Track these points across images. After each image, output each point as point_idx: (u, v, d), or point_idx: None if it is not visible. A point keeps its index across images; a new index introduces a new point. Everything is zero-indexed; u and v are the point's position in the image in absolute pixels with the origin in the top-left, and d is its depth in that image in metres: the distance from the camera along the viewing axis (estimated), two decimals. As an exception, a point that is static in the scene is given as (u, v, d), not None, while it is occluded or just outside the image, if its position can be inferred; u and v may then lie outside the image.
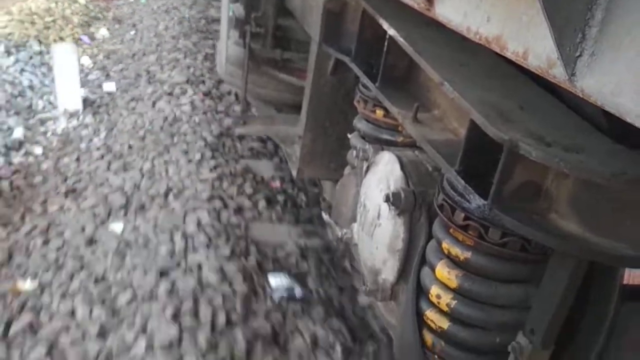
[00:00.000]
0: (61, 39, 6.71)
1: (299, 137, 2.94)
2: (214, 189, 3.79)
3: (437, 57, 1.63)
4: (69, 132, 4.67)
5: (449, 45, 1.70)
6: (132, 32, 7.49)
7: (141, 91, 5.43)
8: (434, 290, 1.56)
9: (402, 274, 1.84)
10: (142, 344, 2.51)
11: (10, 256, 3.08)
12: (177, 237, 3.23)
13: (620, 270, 1.31)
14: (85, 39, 7.13)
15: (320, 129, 2.83)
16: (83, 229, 3.30)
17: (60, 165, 4.10)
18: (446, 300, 1.52)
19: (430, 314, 1.59)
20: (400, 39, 1.77)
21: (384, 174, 1.91)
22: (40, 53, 6.15)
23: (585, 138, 1.22)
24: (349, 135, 2.43)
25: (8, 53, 5.89)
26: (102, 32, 7.55)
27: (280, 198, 3.85)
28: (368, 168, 2.06)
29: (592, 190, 1.17)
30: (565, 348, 1.40)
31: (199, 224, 3.37)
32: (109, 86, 5.58)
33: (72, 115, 4.92)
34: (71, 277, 2.91)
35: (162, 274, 2.93)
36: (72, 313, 2.69)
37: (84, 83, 5.39)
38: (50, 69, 5.60)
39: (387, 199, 1.76)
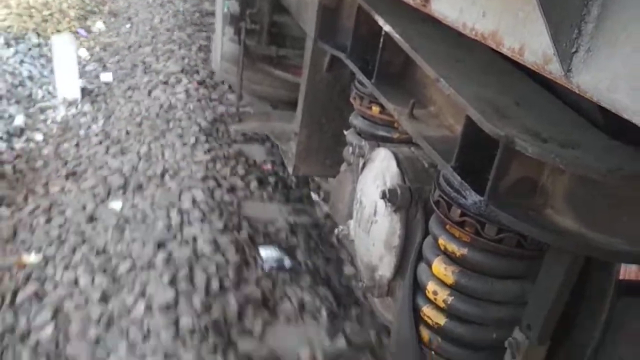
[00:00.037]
0: (58, 31, 6.77)
1: (294, 133, 2.94)
2: (208, 170, 3.97)
3: (433, 54, 1.63)
4: (68, 119, 4.82)
5: (444, 42, 1.70)
6: (128, 25, 7.64)
7: (137, 81, 5.57)
8: (431, 286, 1.56)
9: (399, 270, 1.84)
10: (141, 306, 2.68)
11: (14, 233, 3.24)
12: (173, 213, 3.41)
13: (616, 266, 1.32)
14: (82, 32, 7.23)
15: (316, 125, 2.82)
16: (84, 208, 3.46)
17: (60, 150, 4.26)
18: (443, 296, 1.52)
19: (427, 310, 1.59)
20: (396, 35, 1.77)
21: (380, 171, 1.91)
22: (39, 45, 6.29)
23: (581, 134, 1.22)
24: (345, 132, 2.42)
25: (8, 45, 6.04)
26: (98, 25, 7.68)
27: (272, 179, 4.01)
28: (364, 164, 2.06)
29: (588, 186, 1.17)
30: (562, 343, 1.41)
31: (193, 201, 3.56)
32: (106, 76, 5.72)
33: (70, 103, 5.07)
34: (73, 250, 3.08)
35: (160, 245, 3.11)
36: (75, 282, 2.84)
37: (81, 74, 5.50)
38: (48, 60, 5.77)
39: (383, 196, 1.76)
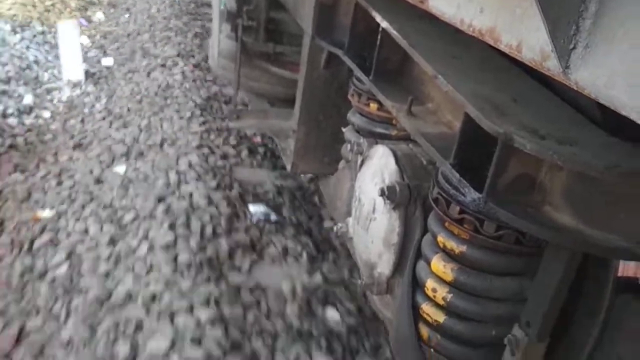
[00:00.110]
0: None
1: (292, 131, 2.93)
2: (203, 139, 4.34)
3: (431, 50, 1.63)
4: (73, 99, 5.23)
5: (442, 38, 1.69)
6: (127, 15, 8.01)
7: (137, 64, 5.93)
8: (430, 283, 1.56)
9: (398, 267, 1.84)
10: (144, 247, 3.04)
11: (29, 194, 3.62)
12: (172, 174, 3.78)
13: (614, 263, 1.31)
14: (83, 21, 7.48)
15: (314, 122, 2.82)
16: (91, 172, 3.86)
17: (67, 126, 4.66)
18: (442, 293, 1.52)
19: (426, 308, 1.59)
20: (394, 32, 1.76)
21: (378, 168, 1.90)
22: (43, 33, 6.68)
23: (579, 131, 1.22)
24: (343, 129, 2.42)
25: (14, 32, 6.43)
26: (98, 15, 8.02)
27: (261, 150, 4.34)
28: (362, 162, 2.06)
29: (586, 183, 1.17)
30: (561, 340, 1.41)
31: (190, 164, 3.93)
32: (107, 61, 6.10)
33: (75, 85, 5.45)
34: (83, 206, 3.45)
35: (160, 199, 3.47)
36: (86, 231, 3.22)
37: (84, 60, 5.79)
38: (52, 46, 6.26)
39: (382, 193, 1.76)
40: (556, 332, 1.36)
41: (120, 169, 3.88)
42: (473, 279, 1.47)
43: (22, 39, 6.27)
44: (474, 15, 1.25)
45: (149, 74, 5.61)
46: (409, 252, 1.74)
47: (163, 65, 5.80)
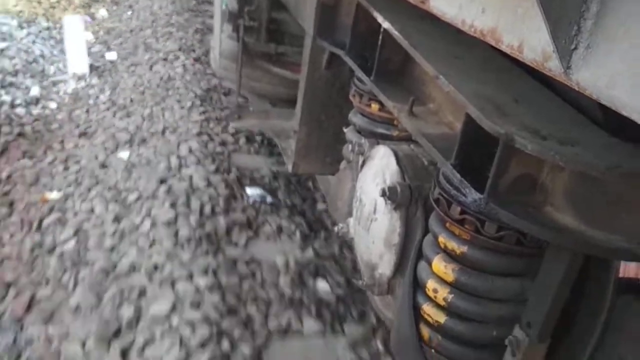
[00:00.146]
0: (65, 17, 7.33)
1: (294, 131, 2.93)
2: (202, 127, 4.53)
3: (432, 50, 1.62)
4: (78, 91, 5.47)
5: (443, 39, 1.69)
6: (129, 12, 8.19)
7: (139, 58, 6.14)
8: (431, 284, 1.56)
9: (399, 268, 1.84)
10: (147, 223, 3.25)
11: (37, 178, 3.85)
12: (173, 158, 3.98)
13: (615, 263, 1.31)
14: (87, 18, 7.62)
15: (315, 123, 2.82)
16: (96, 157, 4.07)
17: (73, 116, 4.90)
18: (443, 294, 1.52)
19: (427, 308, 1.58)
20: (395, 32, 1.76)
21: (379, 168, 1.90)
22: (48, 28, 6.92)
23: (581, 131, 1.22)
24: (345, 130, 2.42)
25: (21, 27, 6.69)
26: (102, 12, 8.19)
27: (258, 138, 4.49)
28: (364, 162, 2.06)
29: (587, 183, 1.16)
30: (562, 341, 1.41)
31: (190, 150, 4.13)
32: (111, 55, 6.33)
33: (80, 78, 5.68)
34: (89, 189, 3.67)
35: (162, 181, 3.68)
36: (92, 210, 3.43)
37: (88, 54, 6.01)
38: (57, 41, 6.48)
39: (383, 193, 1.76)
40: (557, 333, 1.36)
41: (124, 154, 4.08)
42: (474, 280, 1.47)
43: (28, 34, 6.49)
44: (476, 16, 1.25)
45: (151, 67, 5.80)
46: (410, 253, 1.74)
47: (165, 59, 5.99)
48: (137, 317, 2.61)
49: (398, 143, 2.01)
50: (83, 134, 4.51)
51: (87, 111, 4.96)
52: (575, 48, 0.93)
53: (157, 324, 2.59)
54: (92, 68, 5.87)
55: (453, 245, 1.49)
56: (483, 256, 1.45)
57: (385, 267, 1.88)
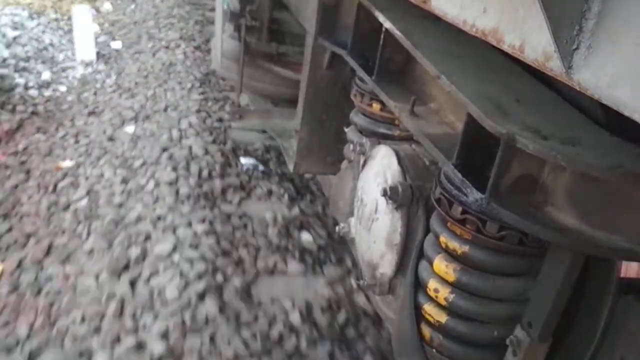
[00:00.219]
0: (73, 9, 7.75)
1: (295, 131, 2.93)
2: (201, 106, 5.02)
3: (434, 50, 1.62)
4: (86, 76, 5.95)
5: (445, 38, 1.69)
6: (133, 6, 8.70)
7: (143, 46, 6.69)
8: (432, 284, 1.56)
9: (400, 268, 1.84)
10: (151, 184, 3.72)
11: (51, 150, 4.31)
12: (174, 131, 4.45)
13: (616, 263, 1.31)
14: (92, 11, 7.88)
15: (316, 122, 2.82)
16: (104, 132, 4.56)
17: (81, 97, 5.37)
18: (444, 294, 1.52)
19: (428, 308, 1.59)
20: (397, 32, 1.76)
21: (381, 168, 1.90)
22: (57, 20, 7.39)
23: (582, 131, 1.22)
24: (346, 129, 2.42)
25: (31, 18, 7.14)
26: (106, 6, 8.62)
27: None
28: (365, 162, 2.06)
29: (589, 183, 1.16)
30: (563, 341, 1.41)
31: (190, 124, 4.61)
32: (116, 44, 6.80)
33: (87, 64, 6.15)
34: (98, 158, 4.15)
35: (164, 150, 4.15)
36: (102, 175, 3.90)
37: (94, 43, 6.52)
38: (65, 32, 6.95)
39: (384, 193, 1.76)
40: (558, 333, 1.36)
41: (129, 129, 4.57)
42: (475, 280, 1.47)
43: (38, 24, 6.95)
44: (477, 16, 1.25)
45: (154, 54, 6.33)
46: (411, 253, 1.74)
47: (167, 47, 6.52)
48: (143, 256, 3.03)
49: (399, 143, 2.01)
50: (92, 113, 4.97)
51: (95, 93, 5.40)
52: (577, 48, 0.93)
53: (161, 260, 2.99)
54: (99, 55, 6.30)
55: (454, 245, 1.49)
56: (484, 256, 1.45)
57: (386, 267, 1.88)
